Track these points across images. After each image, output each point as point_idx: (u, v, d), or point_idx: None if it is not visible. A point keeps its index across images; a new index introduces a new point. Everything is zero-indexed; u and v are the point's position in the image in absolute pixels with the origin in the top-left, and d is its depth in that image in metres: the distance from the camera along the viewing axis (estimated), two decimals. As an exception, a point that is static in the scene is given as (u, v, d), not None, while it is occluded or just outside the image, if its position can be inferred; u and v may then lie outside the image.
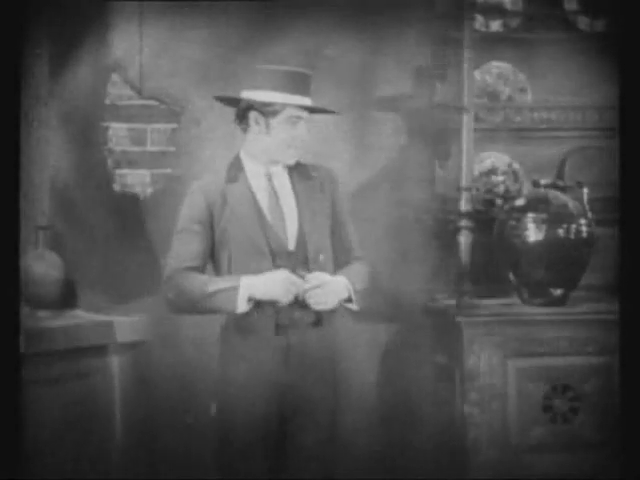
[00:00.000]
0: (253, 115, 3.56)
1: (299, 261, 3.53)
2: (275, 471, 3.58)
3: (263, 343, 3.53)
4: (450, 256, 4.64)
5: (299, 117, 3.55)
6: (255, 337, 3.53)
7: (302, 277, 3.50)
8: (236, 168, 3.61)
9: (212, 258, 3.61)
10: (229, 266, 3.54)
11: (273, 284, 3.46)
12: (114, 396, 4.26)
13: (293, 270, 3.50)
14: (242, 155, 3.63)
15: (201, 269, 3.57)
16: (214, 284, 3.49)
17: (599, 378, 4.51)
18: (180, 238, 3.58)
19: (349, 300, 3.59)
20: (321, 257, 3.55)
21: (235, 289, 3.45)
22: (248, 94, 3.56)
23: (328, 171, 3.69)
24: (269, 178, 3.58)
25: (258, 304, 3.50)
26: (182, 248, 3.57)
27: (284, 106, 3.53)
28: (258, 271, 3.49)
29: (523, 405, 4.50)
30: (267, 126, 3.55)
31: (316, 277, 3.51)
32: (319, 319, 3.57)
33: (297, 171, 3.62)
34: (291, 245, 3.54)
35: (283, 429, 3.56)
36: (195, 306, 3.53)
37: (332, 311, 3.58)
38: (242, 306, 3.47)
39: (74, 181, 4.55)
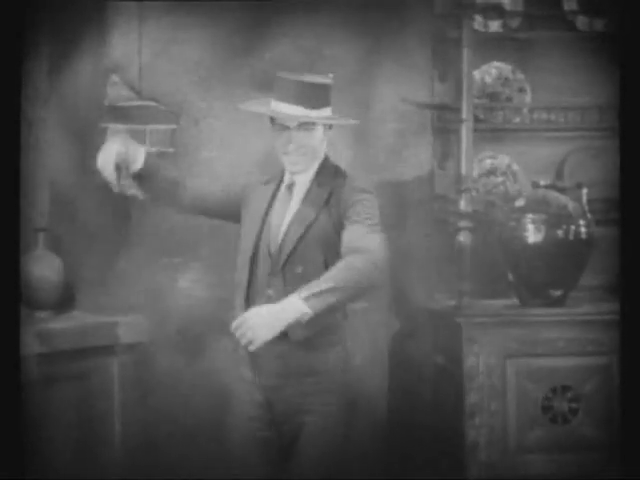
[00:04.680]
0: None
1: (276, 268, 3.45)
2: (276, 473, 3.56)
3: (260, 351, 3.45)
4: (450, 257, 4.64)
5: (284, 126, 3.47)
6: None
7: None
8: (277, 172, 3.58)
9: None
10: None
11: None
12: (113, 397, 4.27)
13: (273, 273, 3.44)
14: None
15: None
16: None
17: (599, 378, 4.51)
18: None
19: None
20: (300, 269, 3.46)
21: None
22: (273, 104, 3.51)
23: (348, 180, 3.51)
24: (290, 186, 3.53)
25: None
26: None
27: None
28: (241, 269, 3.47)
29: (522, 405, 4.50)
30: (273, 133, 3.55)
31: (243, 317, 3.23)
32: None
33: (318, 180, 3.53)
34: (273, 250, 3.46)
35: (280, 436, 3.50)
36: None
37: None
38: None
39: (73, 182, 4.55)
